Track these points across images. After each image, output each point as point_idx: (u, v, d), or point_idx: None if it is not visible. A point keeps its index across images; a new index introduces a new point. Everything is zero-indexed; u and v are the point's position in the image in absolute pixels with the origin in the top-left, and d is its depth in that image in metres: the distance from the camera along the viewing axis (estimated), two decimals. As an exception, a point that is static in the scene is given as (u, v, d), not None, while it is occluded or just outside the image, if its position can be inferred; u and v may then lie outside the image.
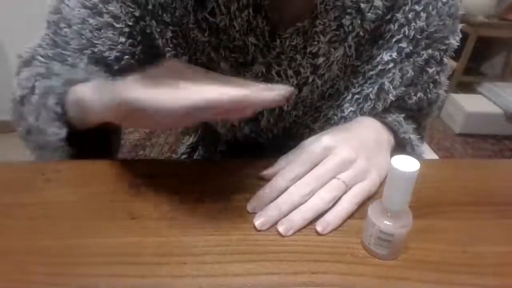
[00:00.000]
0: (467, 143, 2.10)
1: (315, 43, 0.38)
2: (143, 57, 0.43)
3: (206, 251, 0.28)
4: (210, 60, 0.41)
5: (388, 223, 0.27)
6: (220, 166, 0.40)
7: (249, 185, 0.36)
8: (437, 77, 0.45)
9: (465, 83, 2.43)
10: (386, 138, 0.42)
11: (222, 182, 0.37)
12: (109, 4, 0.40)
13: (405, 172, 0.24)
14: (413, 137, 0.45)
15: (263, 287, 0.26)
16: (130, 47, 0.42)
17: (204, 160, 0.54)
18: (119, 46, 0.42)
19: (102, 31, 0.41)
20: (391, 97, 0.43)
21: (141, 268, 0.27)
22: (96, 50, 0.41)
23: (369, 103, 0.43)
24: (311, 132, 0.46)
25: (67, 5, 0.41)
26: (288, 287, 0.26)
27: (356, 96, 0.43)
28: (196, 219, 0.32)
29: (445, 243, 0.30)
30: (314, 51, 0.39)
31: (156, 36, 0.41)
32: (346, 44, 0.39)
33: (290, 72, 0.40)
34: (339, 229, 0.31)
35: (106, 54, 0.42)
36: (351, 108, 0.44)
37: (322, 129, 0.45)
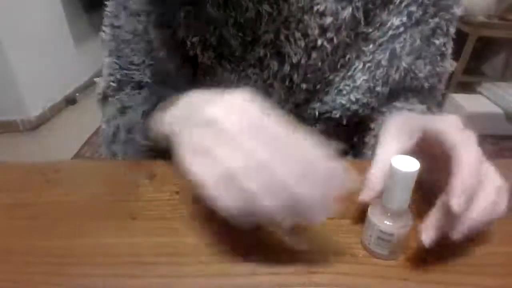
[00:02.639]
0: (467, 143, 2.10)
1: (322, 1, 0.39)
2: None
3: (206, 251, 0.28)
4: (220, 39, 0.42)
5: (388, 223, 0.27)
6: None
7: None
8: (444, 49, 0.46)
9: (465, 83, 2.42)
10: None
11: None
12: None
13: (405, 172, 0.24)
14: None
15: (263, 287, 0.26)
16: (173, 36, 0.43)
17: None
18: (165, 41, 0.43)
19: (148, 31, 0.43)
20: (403, 64, 0.43)
21: (141, 268, 0.27)
22: (153, 55, 0.44)
23: (381, 70, 0.43)
24: (323, 105, 0.46)
25: (118, 27, 0.44)
26: (288, 287, 0.26)
27: (368, 64, 0.44)
28: (196, 219, 0.32)
29: (445, 243, 0.30)
30: (321, 9, 0.39)
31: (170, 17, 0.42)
32: (353, 4, 0.39)
33: (298, 35, 0.41)
34: (339, 229, 0.31)
35: (161, 55, 0.44)
36: (363, 77, 0.44)
37: (334, 101, 0.46)
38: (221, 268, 0.27)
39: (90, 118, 2.25)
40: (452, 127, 0.29)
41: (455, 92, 2.32)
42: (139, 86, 0.46)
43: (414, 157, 0.26)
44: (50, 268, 0.27)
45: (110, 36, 0.45)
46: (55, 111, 2.38)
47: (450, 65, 0.49)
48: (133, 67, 0.45)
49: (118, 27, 0.44)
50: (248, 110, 0.25)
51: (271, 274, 0.27)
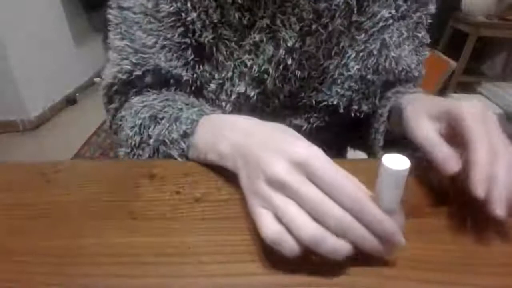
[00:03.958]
0: (467, 143, 2.10)
1: None
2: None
3: (206, 251, 0.28)
4: (221, 18, 0.43)
5: None
6: (221, 166, 0.40)
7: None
8: (424, 40, 0.51)
9: (465, 83, 2.43)
10: None
11: (222, 181, 0.37)
12: None
13: (396, 171, 0.24)
14: None
15: (263, 287, 0.26)
16: (183, 14, 0.44)
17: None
18: (178, 20, 0.43)
19: (159, 7, 0.43)
20: (392, 54, 0.46)
21: (141, 268, 0.27)
22: (163, 35, 0.44)
23: (372, 58, 0.46)
24: (318, 93, 0.48)
25: (127, 9, 0.44)
26: (288, 287, 0.26)
27: (361, 53, 0.46)
28: (196, 219, 0.32)
29: (445, 243, 0.30)
30: None
31: None
32: None
33: (293, 19, 0.42)
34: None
35: (170, 35, 0.44)
36: (356, 66, 0.46)
37: (330, 89, 0.48)
38: (221, 268, 0.27)
39: (90, 118, 2.25)
40: (473, 117, 0.31)
41: (455, 92, 2.32)
42: (155, 72, 0.46)
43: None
44: (50, 268, 0.27)
45: (119, 19, 0.45)
46: (55, 111, 2.39)
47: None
48: (147, 50, 0.45)
49: (127, 8, 0.44)
50: (313, 166, 0.26)
51: (271, 274, 0.27)
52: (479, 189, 0.27)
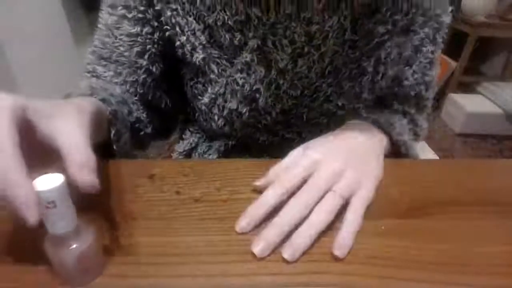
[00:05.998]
0: (467, 143, 2.10)
1: (308, 9, 0.39)
2: (163, 43, 0.45)
3: (206, 251, 0.28)
4: (209, 39, 0.43)
5: (61, 250, 0.25)
6: (220, 166, 0.40)
7: (249, 185, 0.36)
8: (432, 56, 0.46)
9: (465, 83, 2.43)
10: (377, 140, 0.42)
11: (222, 181, 0.37)
12: None
13: (50, 190, 0.23)
14: (407, 138, 0.45)
15: (263, 287, 0.26)
16: (148, 35, 0.44)
17: (204, 160, 0.54)
18: (138, 39, 0.44)
19: (119, 26, 0.44)
20: (389, 72, 0.44)
21: (141, 268, 0.27)
22: (119, 51, 0.45)
23: (367, 76, 0.44)
24: (310, 111, 0.47)
25: (101, 12, 0.46)
26: (288, 287, 0.26)
27: (355, 71, 0.44)
28: (196, 219, 0.32)
29: (445, 243, 0.30)
30: (307, 16, 0.39)
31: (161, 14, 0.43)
32: (340, 12, 0.40)
33: (285, 42, 0.41)
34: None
35: (127, 53, 0.45)
36: (349, 84, 0.44)
37: (321, 107, 0.46)
38: (221, 268, 0.27)
39: (90, 118, 2.24)
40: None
41: (455, 92, 2.32)
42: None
43: None
44: (51, 268, 0.27)
45: (99, 19, 0.47)
46: (55, 111, 2.38)
47: (436, 73, 0.50)
48: (103, 61, 0.47)
49: (101, 12, 0.46)
50: None
51: (271, 274, 0.27)
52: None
